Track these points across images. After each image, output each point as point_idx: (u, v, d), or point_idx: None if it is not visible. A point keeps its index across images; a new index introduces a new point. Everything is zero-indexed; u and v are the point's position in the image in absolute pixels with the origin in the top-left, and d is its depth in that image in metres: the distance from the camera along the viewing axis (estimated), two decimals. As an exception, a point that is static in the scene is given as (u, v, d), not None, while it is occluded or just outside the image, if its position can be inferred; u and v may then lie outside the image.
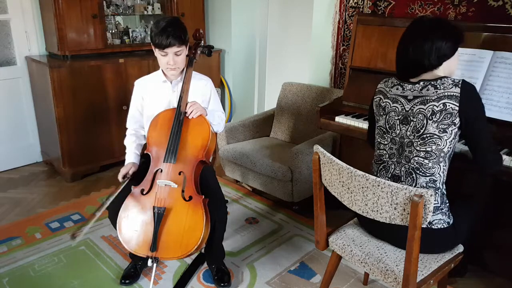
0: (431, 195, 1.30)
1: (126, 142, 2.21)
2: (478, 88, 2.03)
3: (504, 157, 1.84)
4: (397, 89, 1.68)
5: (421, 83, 1.62)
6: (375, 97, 1.77)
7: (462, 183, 2.16)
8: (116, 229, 1.96)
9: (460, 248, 1.70)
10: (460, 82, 1.55)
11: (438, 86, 1.58)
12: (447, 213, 1.60)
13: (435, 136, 1.55)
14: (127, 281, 2.17)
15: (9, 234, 2.62)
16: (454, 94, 1.54)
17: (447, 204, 1.62)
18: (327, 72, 3.21)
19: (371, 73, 2.50)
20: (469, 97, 1.55)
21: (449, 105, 1.54)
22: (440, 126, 1.55)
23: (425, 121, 1.57)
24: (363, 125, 2.34)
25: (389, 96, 1.70)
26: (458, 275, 2.22)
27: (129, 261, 2.27)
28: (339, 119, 2.45)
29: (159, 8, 3.86)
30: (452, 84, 1.56)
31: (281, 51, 3.98)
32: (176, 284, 2.18)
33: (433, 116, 1.55)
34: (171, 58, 1.97)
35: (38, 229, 2.68)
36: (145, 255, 1.88)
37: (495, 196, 2.14)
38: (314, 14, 3.16)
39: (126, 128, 2.24)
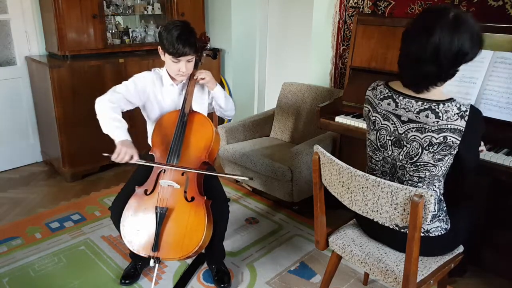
0: (431, 195, 1.30)
1: (105, 109, 1.88)
2: (478, 89, 2.03)
3: (504, 157, 1.84)
4: (388, 104, 1.51)
5: (419, 103, 1.44)
6: (364, 106, 1.65)
7: (461, 184, 2.16)
8: (118, 229, 1.97)
9: (460, 248, 1.70)
10: (467, 113, 1.38)
11: (440, 114, 1.40)
12: (444, 219, 1.58)
13: (430, 165, 1.48)
14: (127, 281, 2.17)
15: (9, 234, 2.61)
16: (458, 128, 1.39)
17: (445, 209, 1.59)
18: (327, 72, 3.21)
19: (371, 73, 2.50)
20: (474, 130, 1.42)
21: (450, 139, 1.41)
22: (436, 156, 1.46)
23: (420, 150, 1.46)
24: (363, 125, 2.34)
25: (378, 111, 1.55)
26: (458, 275, 2.22)
27: (129, 261, 2.27)
28: (339, 119, 2.45)
29: (159, 8, 3.86)
30: (457, 115, 1.38)
31: (281, 51, 3.98)
32: (176, 284, 2.18)
33: (430, 147, 1.44)
34: (184, 65, 1.97)
35: (38, 229, 2.68)
36: (147, 255, 1.89)
37: (494, 196, 2.14)
38: (314, 14, 3.16)
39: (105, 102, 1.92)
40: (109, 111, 1.89)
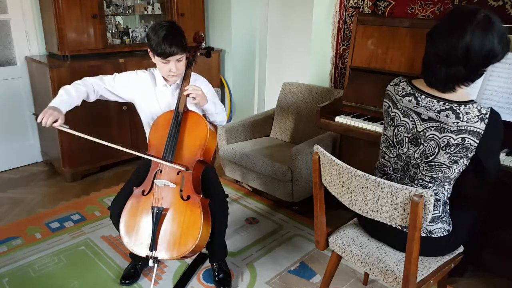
0: (431, 195, 1.30)
1: (72, 84, 1.96)
2: (478, 89, 2.03)
3: (504, 157, 1.84)
4: (409, 101, 1.51)
5: (441, 103, 1.43)
6: (384, 101, 1.64)
7: (462, 185, 2.15)
8: (117, 229, 1.97)
9: (460, 248, 1.70)
10: (487, 116, 1.38)
11: (461, 115, 1.39)
12: (447, 221, 1.58)
13: (444, 166, 1.48)
14: (127, 281, 2.17)
15: (9, 234, 2.61)
16: (477, 130, 1.39)
17: (448, 211, 1.59)
18: (327, 72, 3.21)
19: (371, 73, 2.50)
20: (493, 134, 1.41)
21: (468, 141, 1.40)
22: (452, 158, 1.45)
23: (436, 150, 1.46)
24: (363, 125, 2.34)
25: (399, 107, 1.55)
26: (458, 275, 2.22)
27: (129, 261, 2.27)
28: (339, 119, 2.45)
29: (159, 8, 3.86)
30: (478, 117, 1.38)
31: (281, 51, 3.97)
32: (176, 284, 2.18)
33: (447, 148, 1.44)
34: (174, 65, 1.96)
35: (38, 229, 2.68)
36: (145, 255, 1.89)
37: (495, 196, 2.14)
38: (314, 14, 3.16)
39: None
40: (70, 86, 1.95)
